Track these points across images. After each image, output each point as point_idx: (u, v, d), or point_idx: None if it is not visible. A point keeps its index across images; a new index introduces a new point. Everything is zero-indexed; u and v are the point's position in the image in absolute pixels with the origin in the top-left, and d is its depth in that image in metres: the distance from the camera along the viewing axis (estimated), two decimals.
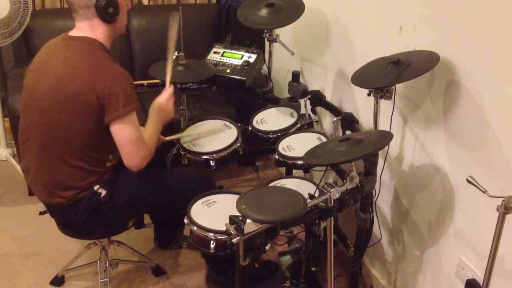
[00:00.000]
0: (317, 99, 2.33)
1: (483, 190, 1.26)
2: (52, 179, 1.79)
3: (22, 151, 1.88)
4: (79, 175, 1.77)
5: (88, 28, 1.74)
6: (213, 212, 1.79)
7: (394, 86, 1.66)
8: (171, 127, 2.56)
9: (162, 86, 2.09)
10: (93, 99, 1.66)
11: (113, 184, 1.84)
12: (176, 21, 2.08)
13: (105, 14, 1.71)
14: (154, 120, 1.91)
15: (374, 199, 1.89)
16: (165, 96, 1.96)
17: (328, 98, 2.39)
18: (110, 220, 1.91)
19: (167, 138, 2.12)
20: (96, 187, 1.80)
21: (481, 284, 1.37)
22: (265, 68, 2.61)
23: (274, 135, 2.18)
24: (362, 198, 1.79)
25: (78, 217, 1.82)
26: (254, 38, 2.64)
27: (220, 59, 2.48)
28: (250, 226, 1.43)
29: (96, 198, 1.80)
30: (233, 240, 1.44)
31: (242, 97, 2.71)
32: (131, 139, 1.73)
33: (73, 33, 1.77)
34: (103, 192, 1.81)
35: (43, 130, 1.75)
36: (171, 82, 2.02)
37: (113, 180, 1.85)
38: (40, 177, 1.81)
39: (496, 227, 1.25)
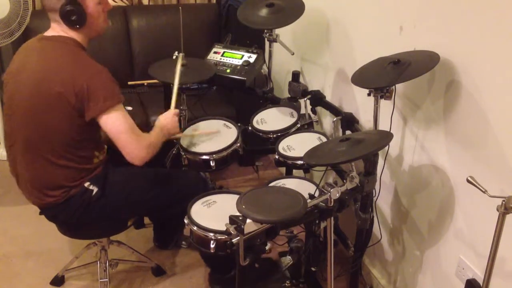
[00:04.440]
0: (317, 99, 2.33)
1: (483, 190, 1.26)
2: (41, 180, 1.79)
3: (9, 156, 1.88)
4: (67, 174, 1.78)
5: (60, 29, 1.75)
6: (213, 212, 1.79)
7: (394, 86, 1.66)
8: None
9: (162, 86, 2.09)
10: (72, 97, 1.66)
11: (104, 181, 1.84)
12: (181, 61, 2.15)
13: (69, 21, 1.71)
14: (157, 130, 1.90)
15: (374, 199, 1.89)
16: (170, 114, 1.98)
17: (328, 98, 2.39)
18: (106, 218, 1.91)
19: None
20: (86, 184, 1.81)
21: (481, 284, 1.37)
22: (265, 68, 2.61)
23: (274, 135, 2.18)
24: (362, 198, 1.79)
25: (72, 215, 1.82)
26: (254, 38, 2.64)
27: (220, 59, 2.48)
28: (250, 226, 1.43)
29: (88, 195, 1.81)
30: (233, 240, 1.44)
31: (242, 97, 2.71)
32: (122, 129, 1.71)
33: (49, 33, 1.78)
34: (95, 189, 1.81)
35: (26, 133, 1.75)
36: (176, 106, 2.06)
37: (104, 177, 1.85)
38: (29, 180, 1.81)
39: (496, 227, 1.25)
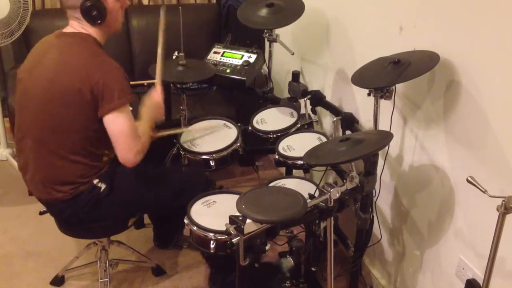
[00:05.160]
0: (317, 99, 2.33)
1: (483, 190, 1.26)
2: (50, 175, 1.79)
3: (18, 149, 1.89)
4: (76, 170, 1.78)
5: (79, 26, 1.77)
6: (213, 212, 1.79)
7: (394, 86, 1.66)
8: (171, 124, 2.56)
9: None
10: (87, 93, 1.67)
11: (112, 179, 1.85)
12: (164, 15, 2.09)
13: (89, 17, 1.73)
14: (148, 116, 1.89)
15: (374, 199, 1.89)
16: (155, 98, 1.95)
17: (328, 98, 2.39)
18: (111, 216, 1.92)
19: (166, 132, 2.07)
20: (95, 181, 1.82)
21: (481, 284, 1.37)
22: (265, 68, 2.61)
23: (274, 135, 2.18)
24: (362, 198, 1.79)
25: (79, 211, 1.82)
26: (254, 38, 2.64)
27: (220, 59, 2.48)
28: (250, 226, 1.43)
29: (96, 192, 1.81)
30: (233, 240, 1.44)
31: (242, 97, 2.71)
32: (125, 132, 1.72)
33: (67, 29, 1.79)
34: (103, 186, 1.82)
35: (39, 126, 1.76)
36: (162, 81, 2.01)
37: (112, 174, 1.86)
38: (38, 174, 1.81)
39: (496, 227, 1.25)
